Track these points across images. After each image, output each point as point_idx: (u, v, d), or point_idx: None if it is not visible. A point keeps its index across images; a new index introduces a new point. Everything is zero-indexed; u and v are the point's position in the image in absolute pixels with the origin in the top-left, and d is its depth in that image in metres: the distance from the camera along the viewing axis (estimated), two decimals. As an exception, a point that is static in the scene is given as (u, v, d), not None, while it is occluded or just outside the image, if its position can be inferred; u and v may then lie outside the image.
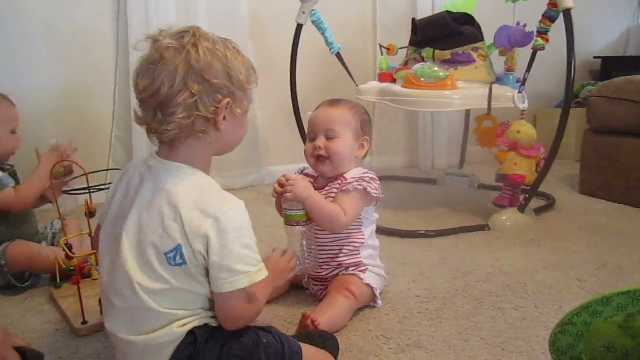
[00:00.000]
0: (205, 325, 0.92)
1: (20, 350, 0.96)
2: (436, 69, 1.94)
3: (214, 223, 0.86)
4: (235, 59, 0.92)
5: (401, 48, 2.29)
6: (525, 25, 1.95)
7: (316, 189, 1.36)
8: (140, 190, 0.92)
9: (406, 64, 2.14)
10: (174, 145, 0.91)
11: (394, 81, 2.14)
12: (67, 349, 1.19)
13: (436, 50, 2.03)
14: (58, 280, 1.45)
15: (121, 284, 0.89)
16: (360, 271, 1.33)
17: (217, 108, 0.90)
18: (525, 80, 1.89)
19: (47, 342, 1.21)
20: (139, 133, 2.32)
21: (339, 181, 1.33)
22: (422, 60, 2.07)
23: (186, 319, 0.90)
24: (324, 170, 1.35)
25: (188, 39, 0.88)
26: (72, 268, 1.39)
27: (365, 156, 1.40)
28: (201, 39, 0.89)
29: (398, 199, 2.40)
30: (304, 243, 1.28)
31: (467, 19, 2.07)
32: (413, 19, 2.18)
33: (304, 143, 2.28)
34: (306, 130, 1.44)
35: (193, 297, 0.91)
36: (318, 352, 1.03)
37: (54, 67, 2.26)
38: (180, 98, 0.86)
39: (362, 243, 1.35)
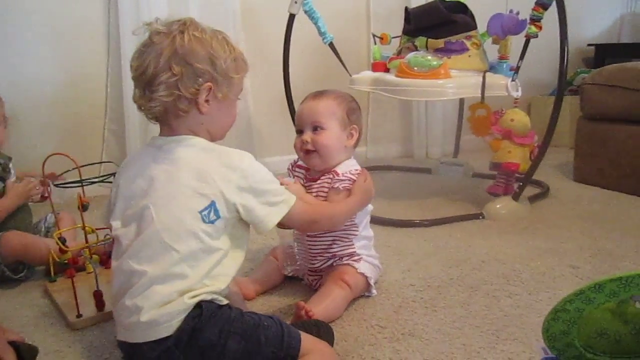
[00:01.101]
0: (212, 301, 0.96)
1: (14, 344, 0.96)
2: (429, 57, 1.93)
3: (241, 173, 0.98)
4: (221, 47, 1.00)
5: (394, 37, 2.28)
6: (518, 13, 1.94)
7: (308, 180, 1.37)
8: (156, 167, 0.99)
9: (399, 53, 2.13)
10: (172, 125, 1.01)
11: (387, 70, 2.13)
12: (62, 342, 1.19)
13: (429, 39, 2.02)
14: (52, 274, 1.44)
15: (151, 251, 0.94)
16: (354, 261, 1.33)
17: (198, 90, 0.97)
18: (518, 68, 1.88)
19: (42, 336, 1.21)
20: (132, 125, 2.31)
21: (330, 175, 1.32)
22: (415, 49, 2.06)
23: (196, 290, 0.94)
24: (313, 163, 1.35)
25: (177, 26, 0.97)
26: (66, 262, 1.39)
27: (356, 145, 1.39)
28: (190, 27, 0.98)
29: (393, 189, 2.41)
30: (295, 245, 1.32)
31: (460, 7, 2.06)
32: (406, 8, 2.17)
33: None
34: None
35: (213, 258, 0.96)
36: (316, 340, 1.04)
37: (45, 60, 2.25)
38: (163, 77, 0.95)
39: (356, 235, 1.35)
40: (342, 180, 1.29)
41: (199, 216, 0.95)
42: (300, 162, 1.42)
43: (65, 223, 1.56)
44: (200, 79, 0.97)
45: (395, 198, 2.24)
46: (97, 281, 1.27)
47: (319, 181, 1.34)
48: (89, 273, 1.46)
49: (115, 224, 1.01)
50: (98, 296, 1.27)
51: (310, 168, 1.38)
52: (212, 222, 0.96)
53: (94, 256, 1.50)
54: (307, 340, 1.01)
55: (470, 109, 2.12)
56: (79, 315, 1.25)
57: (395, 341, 1.15)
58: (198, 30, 0.98)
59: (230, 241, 1.00)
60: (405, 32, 2.15)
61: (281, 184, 1.25)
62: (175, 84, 0.95)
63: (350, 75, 2.16)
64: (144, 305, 0.92)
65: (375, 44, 2.29)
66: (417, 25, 2.05)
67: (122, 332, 0.97)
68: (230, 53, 1.01)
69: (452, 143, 2.81)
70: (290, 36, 2.19)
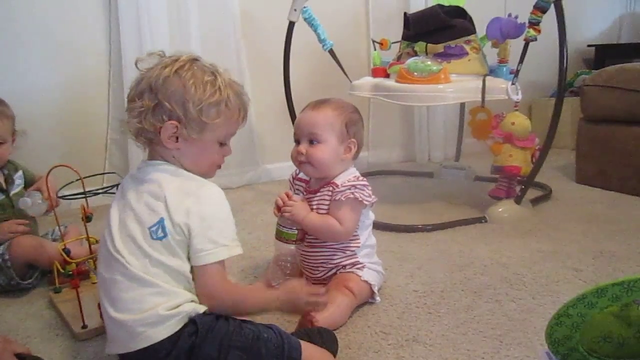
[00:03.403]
0: (207, 315, 0.96)
1: (20, 356, 0.97)
2: (429, 62, 1.94)
3: (195, 199, 0.97)
4: (200, 90, 0.99)
5: (394, 42, 2.29)
6: (517, 17, 1.94)
7: (308, 193, 1.37)
8: (129, 187, 1.03)
9: (399, 59, 2.14)
10: (150, 150, 1.05)
11: (387, 76, 2.13)
12: (68, 353, 1.19)
13: (429, 44, 2.03)
14: (57, 284, 1.45)
15: (113, 265, 0.96)
16: (358, 268, 1.34)
17: (160, 127, 0.98)
18: (518, 71, 1.88)
19: (47, 347, 1.21)
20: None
21: (330, 187, 1.31)
22: (415, 54, 2.07)
23: (171, 303, 0.93)
24: (308, 172, 1.35)
25: (167, 60, 1.01)
26: (70, 272, 1.39)
27: (355, 157, 1.36)
28: (176, 64, 1.00)
29: (395, 193, 2.41)
30: (289, 259, 1.32)
31: (458, 12, 2.07)
32: (405, 13, 2.18)
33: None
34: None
35: (174, 274, 0.96)
36: (317, 350, 1.04)
37: (48, 71, 2.25)
38: (136, 104, 0.99)
39: (358, 246, 1.35)
40: (342, 191, 1.28)
41: (148, 232, 0.96)
42: (301, 175, 1.41)
43: (72, 236, 1.57)
44: (164, 117, 0.98)
45: (398, 203, 2.24)
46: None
47: (318, 194, 1.34)
48: (94, 283, 1.46)
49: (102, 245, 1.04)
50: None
51: (309, 180, 1.38)
52: (159, 238, 0.95)
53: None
54: (308, 350, 1.01)
55: (470, 113, 2.12)
56: (84, 326, 1.25)
57: (399, 347, 1.15)
58: (185, 68, 0.99)
59: (184, 261, 0.97)
60: (405, 37, 2.16)
61: (289, 198, 1.30)
62: (141, 114, 0.98)
63: (351, 82, 2.17)
64: (121, 310, 0.94)
65: (374, 49, 2.30)
66: (416, 31, 2.06)
67: (111, 341, 0.99)
68: (211, 97, 0.99)
69: (453, 147, 2.81)
70: (290, 44, 2.20)
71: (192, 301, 0.96)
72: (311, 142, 1.30)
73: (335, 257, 1.34)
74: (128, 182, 1.05)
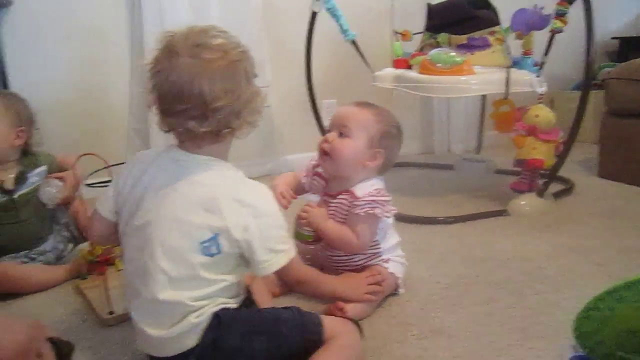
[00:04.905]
0: (228, 308, 0.96)
1: (52, 341, 0.99)
2: (452, 54, 1.93)
3: (252, 211, 0.93)
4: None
5: (416, 33, 2.28)
6: (542, 8, 1.92)
7: (326, 194, 1.34)
8: (167, 182, 0.95)
9: (421, 50, 2.14)
10: (197, 141, 0.95)
11: (409, 67, 2.13)
12: (95, 339, 1.21)
13: (452, 35, 2.02)
14: (83, 271, 1.47)
15: (147, 273, 0.93)
16: (384, 261, 1.33)
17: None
18: (543, 63, 1.87)
19: (75, 333, 1.23)
20: (155, 124, 2.33)
21: (349, 196, 1.28)
22: (438, 45, 2.07)
23: (202, 309, 0.94)
24: (324, 167, 1.32)
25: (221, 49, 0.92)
26: (96, 259, 1.42)
27: (380, 170, 1.32)
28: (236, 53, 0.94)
29: (414, 185, 2.40)
30: (307, 257, 1.32)
31: (483, 3, 2.06)
32: (428, 4, 2.17)
33: (320, 131, 2.29)
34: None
35: (214, 288, 0.94)
36: (338, 320, 1.06)
37: (70, 60, 2.27)
38: (220, 103, 0.90)
39: (378, 250, 1.33)
40: (360, 205, 1.24)
41: (200, 247, 0.91)
42: (320, 170, 1.37)
43: (82, 211, 1.56)
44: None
45: (417, 195, 2.24)
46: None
47: (336, 199, 1.31)
48: (119, 270, 1.48)
49: (122, 226, 1.01)
50: (129, 293, 1.29)
51: (328, 181, 1.35)
52: (211, 255, 0.92)
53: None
54: (331, 323, 1.03)
55: (493, 105, 2.11)
56: (110, 312, 1.27)
57: (423, 338, 1.15)
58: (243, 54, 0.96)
59: (231, 274, 0.97)
60: (428, 28, 2.15)
61: (307, 206, 1.28)
62: (235, 112, 0.93)
63: (373, 73, 2.16)
64: (153, 322, 0.94)
65: (397, 40, 2.29)
66: (439, 22, 2.06)
67: (140, 341, 0.99)
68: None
69: (473, 139, 2.80)
70: (312, 34, 2.20)
71: (221, 302, 0.96)
72: (341, 134, 1.27)
73: (357, 258, 1.33)
74: (163, 170, 0.97)
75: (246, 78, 0.94)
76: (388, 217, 1.27)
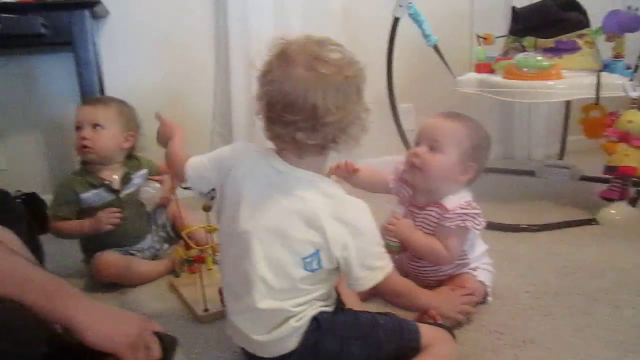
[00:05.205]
0: (325, 311, 0.98)
1: (157, 335, 1.03)
2: (539, 58, 1.88)
3: (351, 230, 0.94)
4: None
5: (498, 37, 2.23)
6: (637, 9, 1.84)
7: (412, 205, 1.33)
8: (267, 191, 0.97)
9: (506, 54, 2.09)
10: (301, 153, 0.96)
11: (491, 71, 2.09)
12: (192, 334, 1.27)
13: (538, 39, 1.97)
14: (177, 269, 1.55)
15: (247, 281, 0.95)
16: (472, 269, 1.32)
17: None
18: (637, 67, 1.79)
19: (171, 328, 1.27)
20: (238, 127, 2.40)
21: (438, 209, 1.27)
22: (523, 49, 2.02)
23: (302, 313, 0.96)
24: (413, 180, 1.30)
25: (346, 60, 0.95)
26: (191, 258, 1.48)
27: (469, 183, 1.30)
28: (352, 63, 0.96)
29: (495, 191, 2.35)
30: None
31: (572, 5, 1.99)
32: (513, 7, 2.12)
33: (400, 136, 2.29)
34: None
35: (312, 295, 0.97)
36: (434, 329, 1.06)
37: (159, 67, 2.37)
38: (332, 118, 0.91)
39: (466, 260, 1.32)
40: (451, 217, 1.23)
41: (302, 262, 0.94)
42: (406, 176, 1.34)
43: (178, 213, 1.65)
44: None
45: (498, 201, 2.19)
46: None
47: (424, 211, 1.30)
48: (209, 269, 1.54)
49: (222, 227, 1.04)
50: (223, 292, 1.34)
51: (415, 190, 1.33)
52: (312, 270, 0.94)
53: (217, 254, 1.57)
54: (428, 330, 1.03)
55: (582, 110, 2.03)
56: (205, 310, 1.32)
57: (516, 348, 1.14)
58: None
59: (327, 282, 1.00)
60: (512, 31, 2.11)
61: (393, 217, 1.27)
62: (343, 128, 0.93)
63: (455, 77, 2.14)
64: (253, 328, 0.97)
65: (478, 44, 2.25)
66: (525, 25, 2.01)
67: (238, 339, 1.03)
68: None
69: (555, 144, 2.71)
70: (394, 39, 2.20)
71: (319, 306, 0.99)
72: (432, 148, 1.26)
73: (444, 267, 1.32)
74: (264, 178, 0.97)
75: (358, 95, 0.95)
76: (479, 229, 1.25)
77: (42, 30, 1.78)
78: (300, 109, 0.89)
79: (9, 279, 0.79)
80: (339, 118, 0.91)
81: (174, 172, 1.15)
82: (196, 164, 1.08)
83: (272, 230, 0.94)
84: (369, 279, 0.98)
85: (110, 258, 1.51)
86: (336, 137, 0.94)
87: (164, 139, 1.26)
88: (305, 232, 0.93)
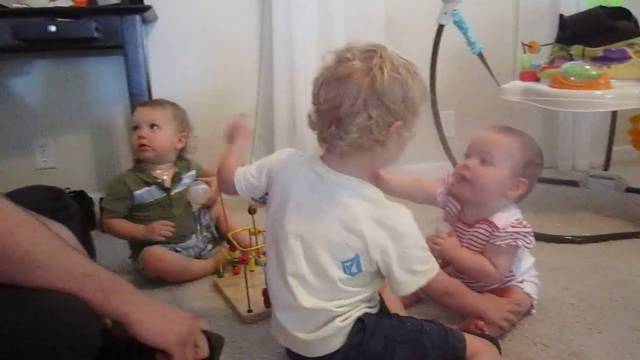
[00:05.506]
0: (370, 313, 1.00)
1: (205, 333, 1.06)
2: (588, 67, 1.85)
3: (391, 234, 0.95)
4: (414, 83, 0.96)
5: (544, 45, 2.20)
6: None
7: (460, 221, 1.31)
8: (309, 195, 0.99)
9: (552, 62, 2.06)
10: (343, 157, 0.97)
11: (537, 80, 2.06)
12: (236, 334, 1.29)
13: (586, 47, 1.93)
14: (221, 269, 1.58)
15: (292, 283, 0.97)
16: (519, 281, 1.30)
17: (388, 131, 0.94)
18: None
19: (215, 328, 1.29)
20: (280, 130, 2.43)
21: (488, 226, 1.25)
22: (570, 57, 1.98)
23: (347, 314, 0.97)
24: (462, 193, 1.27)
25: (375, 61, 0.92)
26: (235, 259, 1.51)
27: (520, 199, 1.28)
28: (386, 62, 0.92)
29: (537, 201, 2.31)
30: None
31: (622, 13, 1.95)
32: (561, 15, 2.09)
33: (442, 143, 2.28)
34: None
35: (356, 297, 0.98)
36: (480, 341, 1.06)
37: (205, 69, 2.42)
38: (359, 119, 0.92)
39: (513, 278, 1.30)
40: (502, 236, 1.21)
41: (342, 266, 0.95)
42: (454, 189, 1.32)
43: (222, 216, 1.68)
44: (392, 119, 0.93)
45: (541, 211, 2.16)
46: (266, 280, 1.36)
47: (473, 228, 1.28)
48: (252, 271, 1.57)
49: (268, 229, 1.06)
50: (266, 293, 1.36)
51: (463, 207, 1.32)
52: (352, 274, 0.96)
53: (261, 256, 1.60)
54: (473, 341, 1.03)
55: (631, 121, 2.00)
56: (249, 310, 1.35)
57: (561, 361, 1.13)
58: (393, 64, 0.93)
59: (370, 286, 1.00)
60: (559, 40, 2.07)
61: (437, 236, 1.25)
62: (369, 127, 0.92)
63: (499, 85, 2.12)
64: (298, 327, 0.98)
65: (524, 52, 2.23)
66: (573, 33, 1.97)
67: (283, 338, 1.05)
68: (420, 87, 0.97)
69: (600, 154, 2.65)
70: (438, 47, 2.19)
71: (363, 307, 1.00)
72: (483, 162, 1.24)
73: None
74: (307, 184, 1.00)
75: (412, 104, 0.95)
76: (529, 247, 1.23)
77: (95, 34, 1.85)
78: (354, 115, 0.92)
79: (68, 274, 0.81)
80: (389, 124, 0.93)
81: (220, 179, 1.18)
82: (244, 174, 1.11)
83: (313, 234, 0.97)
84: (411, 283, 0.98)
85: (160, 252, 1.56)
86: (384, 142, 0.95)
87: (227, 138, 1.28)
88: (345, 237, 0.95)
